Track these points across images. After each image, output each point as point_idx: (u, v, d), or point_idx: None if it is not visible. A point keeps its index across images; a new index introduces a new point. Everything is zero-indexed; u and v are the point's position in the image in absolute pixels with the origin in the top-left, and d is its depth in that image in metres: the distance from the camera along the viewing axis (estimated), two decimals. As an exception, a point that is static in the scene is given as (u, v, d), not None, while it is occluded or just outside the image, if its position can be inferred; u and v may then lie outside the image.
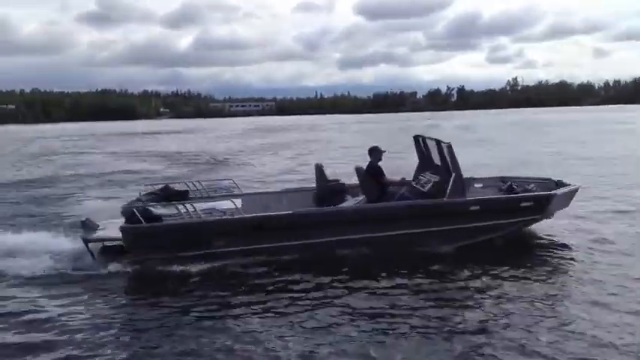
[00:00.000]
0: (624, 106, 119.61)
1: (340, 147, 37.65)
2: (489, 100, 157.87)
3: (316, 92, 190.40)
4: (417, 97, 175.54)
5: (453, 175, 9.90)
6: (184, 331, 6.82)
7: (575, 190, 11.09)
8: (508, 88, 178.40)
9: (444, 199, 9.88)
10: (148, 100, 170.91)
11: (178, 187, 11.04)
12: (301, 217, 9.68)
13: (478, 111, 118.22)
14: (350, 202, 10.76)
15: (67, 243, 9.88)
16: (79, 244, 9.41)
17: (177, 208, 9.34)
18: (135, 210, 9.24)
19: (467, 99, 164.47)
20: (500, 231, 10.35)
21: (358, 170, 11.08)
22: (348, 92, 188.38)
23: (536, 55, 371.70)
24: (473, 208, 10.08)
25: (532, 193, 10.71)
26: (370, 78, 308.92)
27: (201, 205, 9.70)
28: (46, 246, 9.70)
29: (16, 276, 8.77)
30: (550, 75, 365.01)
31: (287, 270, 8.85)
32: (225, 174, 22.89)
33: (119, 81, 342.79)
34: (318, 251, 9.48)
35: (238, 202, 9.99)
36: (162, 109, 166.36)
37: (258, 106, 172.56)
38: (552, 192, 10.63)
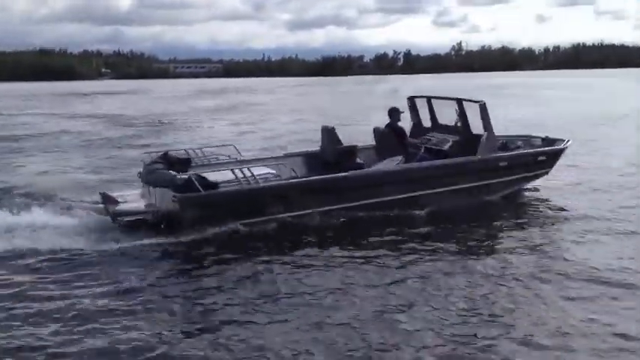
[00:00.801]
0: (562, 71, 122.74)
1: (290, 110, 37.58)
2: (435, 64, 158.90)
3: (264, 55, 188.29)
4: (365, 60, 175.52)
5: (486, 133, 10.36)
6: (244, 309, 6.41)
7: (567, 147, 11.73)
8: (453, 52, 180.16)
9: (480, 156, 10.32)
10: (88, 60, 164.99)
11: (176, 154, 10.17)
12: (375, 176, 9.84)
13: (425, 75, 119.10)
14: (388, 162, 10.46)
15: (69, 219, 9.23)
16: (84, 219, 9.18)
17: (234, 174, 8.81)
18: (193, 178, 8.57)
19: (413, 63, 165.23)
20: (518, 185, 11.27)
21: (379, 131, 11.12)
22: (296, 55, 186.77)
23: (480, 20, 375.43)
24: (502, 163, 10.71)
25: (549, 148, 11.45)
26: (319, 41, 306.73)
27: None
28: (49, 223, 8.88)
29: (43, 257, 7.95)
30: (493, 40, 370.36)
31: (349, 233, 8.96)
32: (174, 137, 22.73)
33: (59, 40, 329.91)
34: (377, 211, 9.51)
35: (262, 168, 9.75)
36: (103, 70, 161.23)
37: (204, 67, 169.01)
38: (562, 146, 11.49)
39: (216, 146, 11.54)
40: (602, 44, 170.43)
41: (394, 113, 11.19)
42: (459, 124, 11.06)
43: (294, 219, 9.06)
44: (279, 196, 9.04)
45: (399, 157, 10.55)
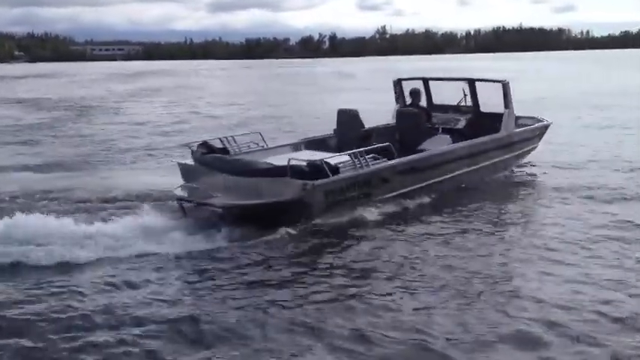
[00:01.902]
0: (482, 55, 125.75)
1: (215, 93, 36.55)
2: (360, 48, 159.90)
3: (186, 37, 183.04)
4: (290, 43, 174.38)
5: (507, 110, 11.12)
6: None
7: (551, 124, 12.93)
8: (377, 36, 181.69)
9: (505, 132, 11.11)
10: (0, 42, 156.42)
11: (213, 143, 9.73)
12: (454, 152, 10.33)
13: (351, 58, 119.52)
14: (438, 141, 10.65)
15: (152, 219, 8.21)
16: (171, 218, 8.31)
17: (351, 157, 8.65)
18: (323, 163, 8.25)
19: (338, 47, 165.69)
20: (522, 158, 12.34)
21: (400, 112, 11.33)
22: (220, 38, 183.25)
23: (404, 4, 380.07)
24: (519, 138, 11.66)
25: (542, 124, 12.46)
26: (242, 23, 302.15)
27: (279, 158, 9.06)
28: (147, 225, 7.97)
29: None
30: (417, 24, 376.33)
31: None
32: (104, 121, 21.51)
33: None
34: (458, 184, 10.39)
35: (322, 153, 9.46)
36: (16, 53, 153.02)
37: (123, 49, 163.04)
38: (549, 123, 12.62)
39: (242, 134, 10.94)
40: (521, 28, 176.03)
41: (417, 95, 11.47)
42: (462, 104, 11.72)
43: (392, 199, 9.22)
44: (383, 178, 9.08)
45: (447, 136, 10.85)
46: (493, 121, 11.12)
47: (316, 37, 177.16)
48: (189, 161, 9.26)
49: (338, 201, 8.44)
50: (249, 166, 8.59)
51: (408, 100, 11.91)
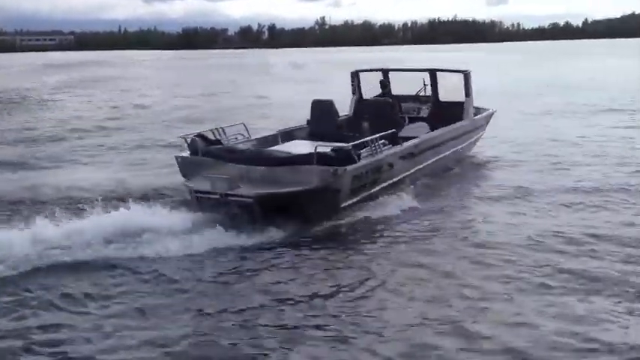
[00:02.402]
0: (417, 46, 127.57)
1: (151, 84, 35.87)
2: (300, 38, 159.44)
3: (120, 26, 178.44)
4: (229, 33, 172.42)
5: (468, 99, 11.68)
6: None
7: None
8: (317, 27, 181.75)
9: (469, 120, 11.77)
10: None
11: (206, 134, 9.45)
12: (443, 136, 10.92)
13: (291, 49, 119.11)
14: (418, 129, 10.99)
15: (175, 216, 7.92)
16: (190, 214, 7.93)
17: (368, 144, 8.70)
18: (352, 150, 8.24)
19: (278, 37, 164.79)
20: (475, 145, 12.96)
21: (370, 102, 11.49)
22: (155, 27, 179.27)
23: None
24: (477, 125, 12.43)
25: (490, 111, 13.07)
26: (178, 12, 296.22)
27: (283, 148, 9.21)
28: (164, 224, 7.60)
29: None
30: (356, 15, 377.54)
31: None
32: (35, 117, 20.70)
33: None
34: (439, 168, 11.00)
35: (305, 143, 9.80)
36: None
37: (54, 40, 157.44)
38: (493, 111, 13.27)
39: (229, 126, 10.60)
40: (456, 20, 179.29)
41: (387, 85, 12.02)
42: (421, 94, 12.20)
43: (393, 185, 9.39)
44: (390, 163, 9.18)
45: (424, 124, 11.26)
46: (453, 109, 11.65)
47: (255, 27, 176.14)
48: (185, 154, 8.94)
49: (359, 187, 8.46)
50: (269, 155, 8.47)
51: (362, 94, 12.37)
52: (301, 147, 9.23)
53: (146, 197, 9.27)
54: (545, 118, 19.07)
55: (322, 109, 10.89)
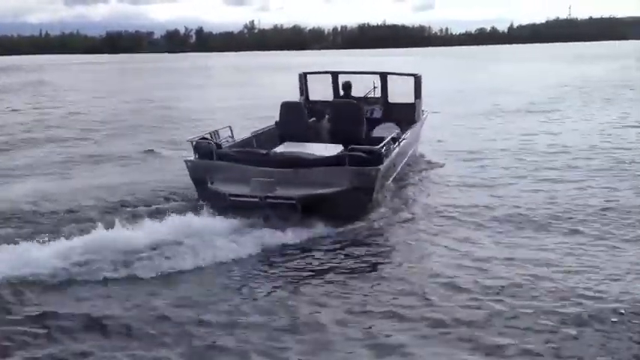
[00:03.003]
0: (351, 50, 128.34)
1: (71, 90, 34.02)
2: (228, 42, 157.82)
3: (41, 30, 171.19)
4: (155, 37, 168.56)
5: (418, 100, 12.05)
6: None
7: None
8: (245, 31, 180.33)
9: (420, 120, 12.13)
10: None
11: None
12: (414, 135, 11.52)
13: (222, 53, 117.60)
14: (389, 129, 11.04)
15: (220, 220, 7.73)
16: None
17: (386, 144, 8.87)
18: (382, 150, 8.48)
19: (206, 41, 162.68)
20: None
21: (337, 104, 11.36)
22: (77, 31, 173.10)
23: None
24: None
25: (426, 113, 13.07)
26: (102, 16, 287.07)
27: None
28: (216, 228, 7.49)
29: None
30: (285, 19, 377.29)
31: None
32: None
33: None
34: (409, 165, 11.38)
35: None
36: None
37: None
38: (428, 111, 13.50)
39: (221, 129, 10.20)
40: (385, 24, 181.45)
41: (349, 87, 11.81)
42: (370, 95, 12.22)
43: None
44: (394, 163, 9.53)
45: (393, 124, 11.34)
46: (404, 110, 11.90)
47: (182, 30, 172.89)
48: (191, 157, 8.79)
49: (381, 185, 8.72)
50: (300, 157, 8.49)
51: (309, 95, 12.62)
52: (298, 148, 9.22)
53: (156, 203, 9.22)
54: (473, 119, 19.68)
55: (291, 111, 10.84)
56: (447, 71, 46.57)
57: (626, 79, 33.89)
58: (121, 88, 36.54)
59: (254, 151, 8.86)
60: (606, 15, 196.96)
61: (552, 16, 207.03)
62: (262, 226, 7.63)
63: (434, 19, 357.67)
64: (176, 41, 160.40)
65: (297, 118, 10.70)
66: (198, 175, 8.54)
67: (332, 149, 9.09)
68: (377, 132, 10.91)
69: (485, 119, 19.79)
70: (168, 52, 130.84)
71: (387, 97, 12.38)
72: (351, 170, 8.08)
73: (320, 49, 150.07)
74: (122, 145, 15.48)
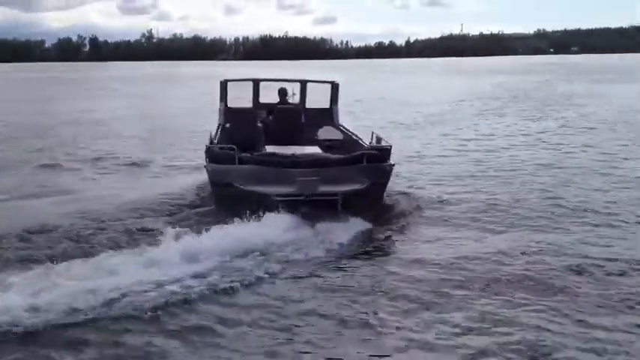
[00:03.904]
0: (247, 62, 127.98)
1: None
2: (125, 52, 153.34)
3: None
4: (46, 46, 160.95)
5: (335, 107, 12.51)
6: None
7: None
8: (143, 40, 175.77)
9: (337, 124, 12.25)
10: None
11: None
12: None
13: (119, 63, 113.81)
14: (332, 131, 11.51)
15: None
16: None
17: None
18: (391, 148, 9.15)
19: (101, 50, 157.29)
20: None
21: (287, 110, 11.64)
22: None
23: (171, 8, 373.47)
24: None
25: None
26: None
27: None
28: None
29: None
30: (185, 28, 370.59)
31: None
32: None
33: None
34: None
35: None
36: None
37: None
38: None
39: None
40: (287, 37, 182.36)
41: (285, 93, 12.08)
42: (289, 101, 12.23)
43: None
44: None
45: (332, 127, 11.74)
46: (322, 115, 12.33)
47: (75, 39, 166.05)
48: (214, 164, 8.95)
49: None
50: (322, 158, 9.14)
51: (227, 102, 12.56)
52: (282, 151, 9.54)
53: (177, 208, 9.26)
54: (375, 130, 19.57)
55: (241, 118, 11.31)
56: (352, 83, 47.23)
57: (514, 91, 35.96)
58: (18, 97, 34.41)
59: (277, 154, 9.19)
60: (495, 31, 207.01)
61: (446, 32, 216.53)
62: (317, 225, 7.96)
63: (335, 32, 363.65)
64: (69, 50, 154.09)
65: (249, 123, 11.10)
66: (221, 180, 8.71)
67: (310, 150, 9.84)
68: (321, 134, 11.36)
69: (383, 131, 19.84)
70: (61, 61, 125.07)
71: (305, 103, 12.75)
72: (370, 167, 8.74)
73: (221, 59, 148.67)
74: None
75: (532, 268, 6.82)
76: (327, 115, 12.39)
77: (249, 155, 8.97)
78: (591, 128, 18.94)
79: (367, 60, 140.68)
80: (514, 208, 9.46)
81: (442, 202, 9.86)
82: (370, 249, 7.61)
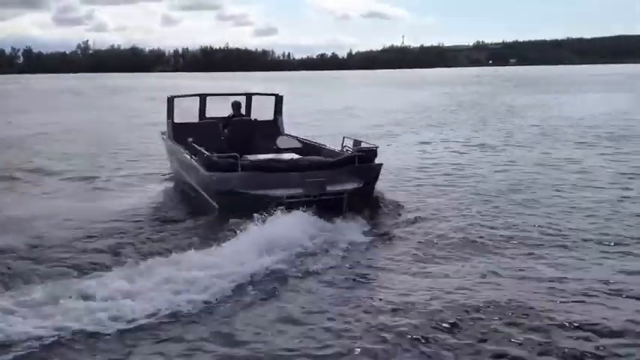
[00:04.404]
0: (195, 73, 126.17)
1: None
2: (61, 63, 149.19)
3: None
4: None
5: (280, 117, 13.10)
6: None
7: None
8: (79, 51, 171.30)
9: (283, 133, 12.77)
10: None
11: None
12: None
13: (51, 75, 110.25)
14: (289, 141, 12.00)
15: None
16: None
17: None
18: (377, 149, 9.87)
19: (36, 62, 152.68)
20: None
21: (244, 122, 11.86)
22: None
23: (107, 19, 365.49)
24: None
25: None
26: None
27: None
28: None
29: None
30: (122, 39, 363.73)
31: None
32: None
33: None
34: None
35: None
36: None
37: None
38: None
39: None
40: (228, 48, 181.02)
41: (239, 107, 12.25)
42: (234, 115, 12.29)
43: None
44: None
45: (289, 136, 12.33)
46: (267, 126, 12.69)
47: (8, 50, 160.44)
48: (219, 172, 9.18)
49: None
50: (318, 161, 9.60)
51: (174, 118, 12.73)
52: (266, 157, 10.15)
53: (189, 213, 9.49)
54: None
55: (212, 128, 11.75)
56: (293, 94, 46.76)
57: (457, 103, 36.34)
58: None
59: (276, 160, 9.74)
60: (435, 43, 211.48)
61: (387, 44, 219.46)
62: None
63: (276, 44, 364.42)
64: (2, 62, 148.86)
65: (217, 134, 11.65)
66: (225, 187, 8.97)
67: (288, 156, 10.32)
68: (281, 143, 11.81)
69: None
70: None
71: (250, 114, 13.08)
72: (361, 167, 9.36)
73: (161, 71, 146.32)
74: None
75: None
76: (274, 126, 12.88)
77: (249, 162, 9.35)
78: (536, 139, 18.80)
79: (310, 72, 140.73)
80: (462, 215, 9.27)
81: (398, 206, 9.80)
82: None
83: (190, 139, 11.13)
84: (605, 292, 6.05)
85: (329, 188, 8.81)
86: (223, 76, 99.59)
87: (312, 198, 8.65)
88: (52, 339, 5.02)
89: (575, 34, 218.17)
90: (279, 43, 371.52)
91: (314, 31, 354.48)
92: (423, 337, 5.10)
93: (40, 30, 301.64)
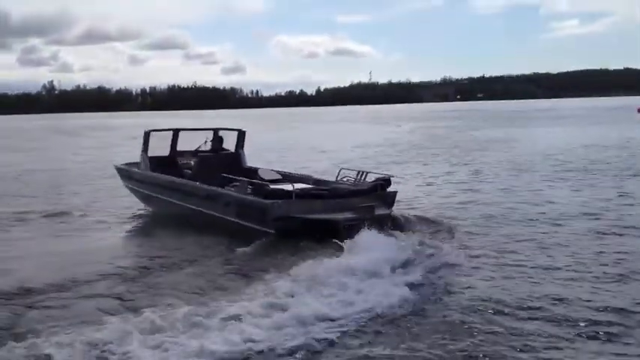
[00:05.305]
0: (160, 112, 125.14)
1: None
2: (25, 104, 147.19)
3: None
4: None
5: (242, 150, 13.71)
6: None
7: None
8: (44, 92, 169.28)
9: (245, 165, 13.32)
10: None
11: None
12: None
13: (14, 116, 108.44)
14: (269, 172, 12.40)
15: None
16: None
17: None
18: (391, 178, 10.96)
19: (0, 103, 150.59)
20: None
21: (224, 155, 13.29)
22: None
23: (72, 59, 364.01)
24: None
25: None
26: None
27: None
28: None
29: None
30: (88, 79, 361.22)
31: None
32: None
33: None
34: None
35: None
36: None
37: None
38: None
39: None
40: (196, 86, 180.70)
41: (220, 140, 13.63)
42: (202, 148, 13.62)
43: None
44: None
45: (268, 169, 12.82)
46: (230, 157, 13.45)
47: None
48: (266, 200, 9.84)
49: None
50: (354, 189, 10.48)
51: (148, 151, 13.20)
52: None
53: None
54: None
55: (208, 162, 12.60)
56: (264, 131, 46.30)
57: (427, 139, 36.06)
58: None
59: (320, 188, 10.76)
60: (403, 80, 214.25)
61: (355, 80, 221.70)
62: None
63: (244, 82, 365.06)
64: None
65: (209, 170, 12.22)
66: (283, 214, 9.59)
67: (302, 185, 10.92)
68: (263, 175, 12.23)
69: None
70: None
71: (221, 146, 13.96)
72: (383, 194, 10.32)
73: (129, 110, 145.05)
74: None
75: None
76: (236, 158, 13.60)
77: (299, 190, 10.11)
78: (507, 172, 18.39)
79: (279, 108, 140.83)
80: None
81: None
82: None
83: (188, 171, 12.49)
84: None
85: (378, 212, 9.68)
86: (192, 114, 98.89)
87: (365, 220, 9.20)
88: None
89: (541, 70, 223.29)
90: (247, 81, 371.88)
91: (282, 68, 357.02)
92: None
93: (4, 71, 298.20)
